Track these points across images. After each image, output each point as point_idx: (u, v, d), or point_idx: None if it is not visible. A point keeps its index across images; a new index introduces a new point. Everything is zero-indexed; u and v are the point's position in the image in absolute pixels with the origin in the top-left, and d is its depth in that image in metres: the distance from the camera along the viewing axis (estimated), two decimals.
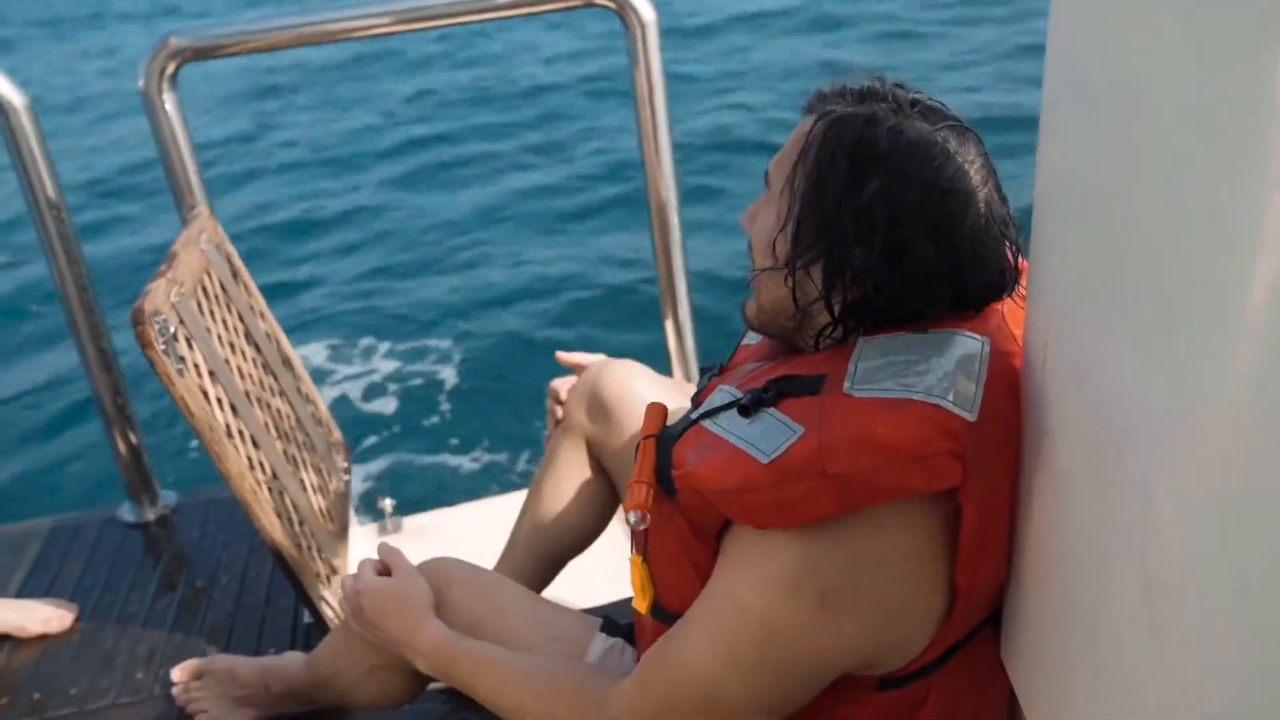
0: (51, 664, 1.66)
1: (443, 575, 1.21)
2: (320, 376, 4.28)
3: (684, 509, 0.92)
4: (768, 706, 0.89)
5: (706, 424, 0.91)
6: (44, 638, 1.71)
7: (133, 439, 2.02)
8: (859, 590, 0.84)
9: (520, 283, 5.08)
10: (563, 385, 1.49)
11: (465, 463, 3.85)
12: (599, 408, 1.40)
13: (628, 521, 0.95)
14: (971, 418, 0.81)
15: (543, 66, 8.84)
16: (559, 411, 1.47)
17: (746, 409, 0.88)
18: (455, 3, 1.78)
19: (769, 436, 0.84)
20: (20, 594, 1.83)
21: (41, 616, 1.72)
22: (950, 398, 0.81)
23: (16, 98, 1.78)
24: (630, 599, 1.09)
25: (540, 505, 1.46)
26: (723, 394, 0.94)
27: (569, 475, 1.44)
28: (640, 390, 1.37)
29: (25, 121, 1.79)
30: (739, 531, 0.88)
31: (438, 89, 8.48)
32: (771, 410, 0.87)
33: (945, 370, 0.83)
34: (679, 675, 0.91)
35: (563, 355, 1.49)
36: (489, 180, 6.42)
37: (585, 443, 1.43)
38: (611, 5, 1.72)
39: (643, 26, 1.74)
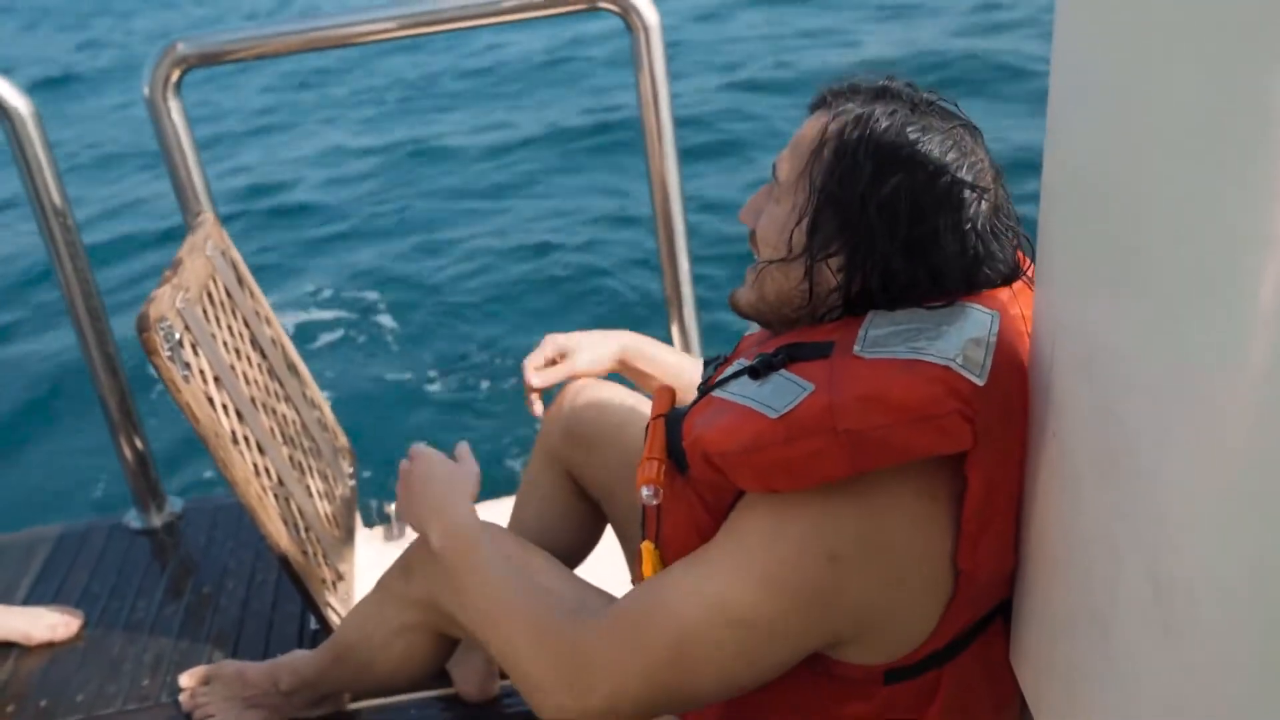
0: (58, 671, 1.66)
1: (485, 522, 1.19)
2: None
3: (696, 484, 0.92)
4: (737, 671, 0.88)
5: (716, 393, 0.93)
6: (51, 645, 1.71)
7: (139, 445, 2.02)
8: (866, 555, 0.84)
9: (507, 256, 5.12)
10: (532, 366, 1.37)
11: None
12: (577, 437, 1.37)
13: (641, 498, 0.95)
14: (981, 382, 0.82)
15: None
16: (536, 405, 1.39)
17: (756, 371, 0.90)
18: (459, 8, 1.78)
19: (779, 395, 0.85)
20: (27, 601, 1.83)
21: (48, 623, 1.72)
22: (960, 361, 0.82)
23: (22, 104, 1.78)
24: None
25: (524, 533, 1.43)
26: (733, 368, 0.96)
27: (551, 499, 1.42)
28: (619, 416, 1.35)
29: (31, 128, 1.79)
30: (748, 498, 0.88)
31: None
32: (782, 371, 0.88)
33: (955, 337, 0.85)
34: (657, 616, 0.88)
35: (549, 340, 1.38)
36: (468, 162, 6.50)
37: (566, 468, 1.41)
38: (615, 9, 1.72)
39: (646, 30, 1.74)
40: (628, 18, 1.73)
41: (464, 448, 1.21)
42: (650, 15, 1.74)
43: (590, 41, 8.76)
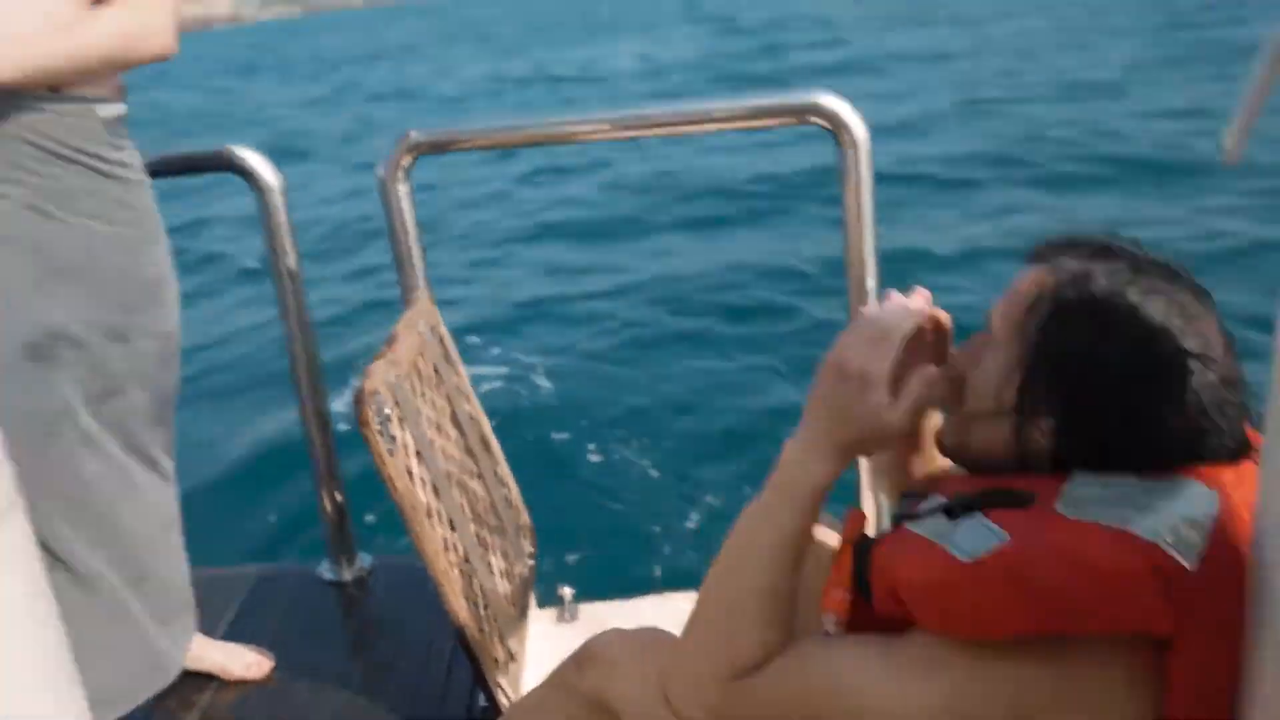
0: (249, 710, 1.77)
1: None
2: None
3: (879, 618, 0.91)
4: None
5: (909, 525, 0.91)
6: (244, 682, 1.83)
7: (339, 499, 2.14)
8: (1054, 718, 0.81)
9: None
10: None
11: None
12: None
13: (824, 625, 0.95)
14: (1190, 566, 0.77)
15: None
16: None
17: (952, 511, 0.88)
18: (671, 114, 1.85)
19: (972, 538, 0.83)
20: (225, 637, 1.96)
21: (244, 661, 1.84)
22: (1169, 539, 0.78)
23: (274, 178, 1.96)
24: None
25: None
26: (930, 501, 0.95)
27: None
28: None
29: (278, 201, 1.96)
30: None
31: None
32: (978, 515, 0.86)
33: (1167, 513, 0.80)
34: (819, 688, 0.90)
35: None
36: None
37: None
38: (826, 124, 1.75)
39: (855, 146, 1.75)
40: (838, 133, 1.75)
41: (930, 372, 0.94)
42: (860, 131, 1.75)
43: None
